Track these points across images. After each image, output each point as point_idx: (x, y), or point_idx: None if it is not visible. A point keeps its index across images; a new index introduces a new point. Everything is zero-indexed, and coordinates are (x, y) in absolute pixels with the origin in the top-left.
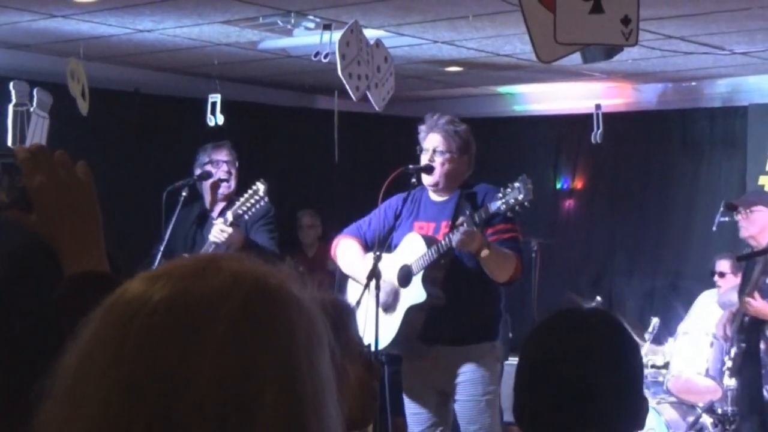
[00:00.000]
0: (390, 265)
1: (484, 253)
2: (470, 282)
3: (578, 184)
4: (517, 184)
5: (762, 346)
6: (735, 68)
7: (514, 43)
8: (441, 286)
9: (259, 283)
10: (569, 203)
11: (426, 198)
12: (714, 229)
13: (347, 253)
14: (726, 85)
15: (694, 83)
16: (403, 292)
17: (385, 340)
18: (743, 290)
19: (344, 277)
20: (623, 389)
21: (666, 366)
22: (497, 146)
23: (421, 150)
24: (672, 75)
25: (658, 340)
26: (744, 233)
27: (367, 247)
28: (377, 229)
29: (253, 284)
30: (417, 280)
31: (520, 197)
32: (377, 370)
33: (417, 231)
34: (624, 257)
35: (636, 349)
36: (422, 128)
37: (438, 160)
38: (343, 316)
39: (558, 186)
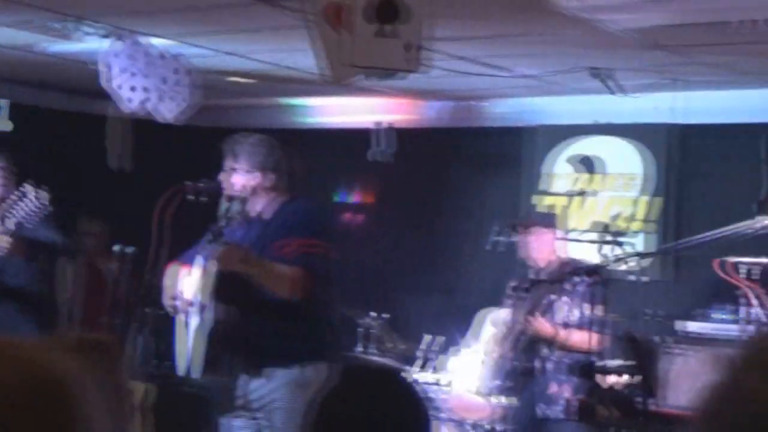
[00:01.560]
0: (185, 294)
1: (245, 269)
2: (264, 300)
3: (362, 199)
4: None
5: (539, 365)
6: (519, 89)
7: (303, 57)
8: (235, 305)
9: (42, 374)
10: (353, 218)
11: (253, 221)
12: (488, 247)
13: (168, 281)
14: (509, 105)
15: (479, 102)
16: (205, 315)
17: (197, 365)
18: (524, 310)
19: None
20: None
21: (441, 383)
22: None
23: (225, 170)
24: (458, 94)
25: (435, 356)
26: (523, 253)
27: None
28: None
29: (37, 376)
30: (213, 302)
31: (233, 211)
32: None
33: None
34: (406, 272)
35: (420, 417)
36: (225, 149)
37: (236, 178)
38: (110, 361)
39: (342, 200)
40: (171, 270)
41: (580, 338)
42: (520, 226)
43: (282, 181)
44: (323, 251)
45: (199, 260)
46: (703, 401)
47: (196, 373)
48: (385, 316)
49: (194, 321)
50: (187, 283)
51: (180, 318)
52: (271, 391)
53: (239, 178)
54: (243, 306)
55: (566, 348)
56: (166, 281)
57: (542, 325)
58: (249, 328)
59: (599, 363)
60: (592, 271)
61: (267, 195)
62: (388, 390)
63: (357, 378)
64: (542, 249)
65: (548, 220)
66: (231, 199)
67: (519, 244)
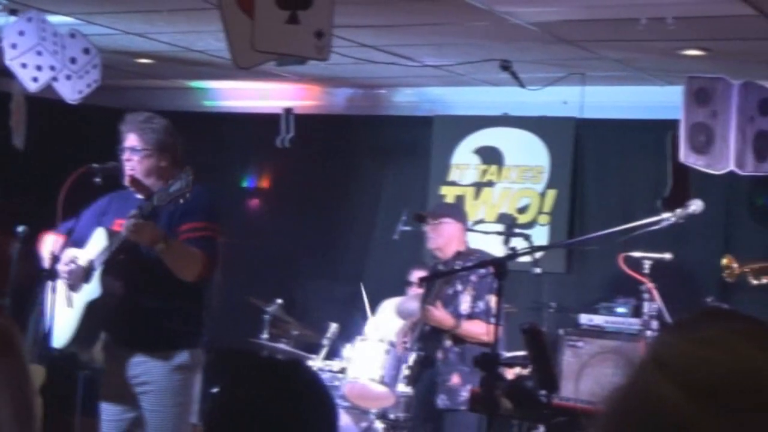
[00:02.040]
0: (79, 261)
1: (159, 247)
2: (157, 281)
3: (265, 184)
4: (179, 176)
5: (439, 355)
6: (424, 79)
7: (207, 39)
8: (123, 282)
9: None
10: (255, 202)
11: (133, 197)
12: (396, 237)
13: (45, 249)
14: (414, 95)
15: (383, 91)
16: (84, 287)
17: (67, 337)
18: (426, 300)
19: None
20: None
21: (343, 371)
22: (187, 141)
23: (122, 150)
24: (363, 81)
25: (337, 345)
26: (431, 244)
27: (74, 244)
28: (84, 226)
29: None
30: (96, 275)
31: (181, 188)
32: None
33: (116, 228)
34: (308, 260)
35: (325, 411)
36: (122, 129)
37: (135, 158)
38: (9, 344)
39: (244, 185)
40: (54, 240)
41: (481, 330)
42: (428, 216)
43: (168, 162)
44: (216, 235)
45: (100, 233)
46: (606, 401)
47: (64, 344)
48: (290, 303)
49: (82, 293)
50: (82, 255)
51: (65, 291)
52: (148, 372)
53: (130, 157)
54: (134, 283)
55: (467, 339)
56: (55, 250)
57: (441, 315)
58: (136, 306)
59: (501, 355)
60: (495, 262)
61: (153, 176)
62: (293, 381)
63: (260, 369)
64: (449, 240)
65: (456, 212)
66: (134, 180)
67: (428, 235)
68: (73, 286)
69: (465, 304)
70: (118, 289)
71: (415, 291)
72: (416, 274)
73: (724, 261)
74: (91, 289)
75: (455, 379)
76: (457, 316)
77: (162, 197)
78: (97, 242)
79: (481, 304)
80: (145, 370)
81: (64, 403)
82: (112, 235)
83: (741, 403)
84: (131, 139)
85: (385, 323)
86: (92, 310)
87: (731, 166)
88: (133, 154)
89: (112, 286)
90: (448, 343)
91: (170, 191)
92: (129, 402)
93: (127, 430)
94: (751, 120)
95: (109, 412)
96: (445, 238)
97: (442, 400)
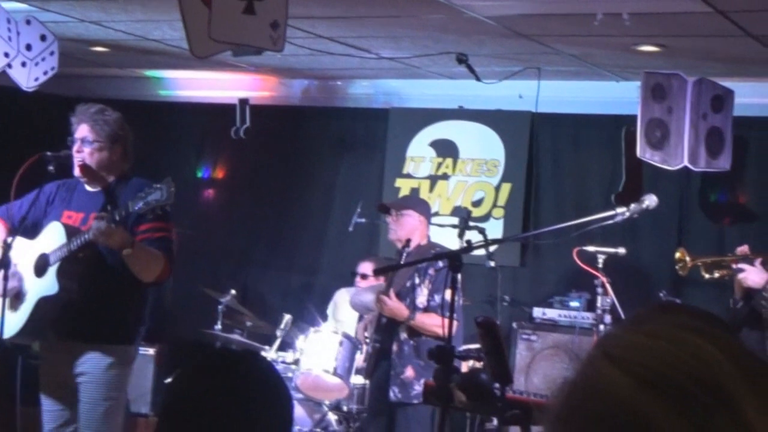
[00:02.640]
0: (29, 252)
1: (126, 251)
2: (111, 280)
3: (220, 174)
4: (158, 186)
5: (394, 348)
6: (380, 71)
7: (163, 28)
8: (78, 281)
9: None
10: (210, 193)
11: (80, 187)
12: (350, 229)
13: None
14: (370, 87)
15: (339, 82)
16: (36, 281)
17: (13, 328)
18: (384, 291)
19: None
20: None
21: (296, 362)
22: (142, 131)
23: (73, 141)
24: (319, 73)
25: (290, 336)
26: (393, 235)
27: (13, 231)
28: (27, 213)
29: None
30: (52, 271)
31: (161, 199)
32: None
33: (65, 220)
34: (262, 251)
35: (280, 402)
36: (73, 119)
37: (86, 150)
38: None
39: (199, 175)
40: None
41: (436, 322)
42: (391, 207)
43: (119, 155)
44: (171, 235)
45: (57, 228)
46: (557, 394)
47: (12, 336)
48: (244, 294)
49: (35, 288)
50: (33, 246)
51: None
52: (86, 364)
53: (81, 148)
54: (88, 281)
55: (422, 331)
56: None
57: (394, 305)
58: (83, 301)
59: (456, 348)
60: (450, 255)
61: (103, 169)
62: (247, 372)
63: (214, 360)
64: (411, 232)
65: (419, 205)
66: (86, 169)
67: (390, 226)
68: (19, 294)
69: (422, 297)
70: (75, 287)
71: (363, 283)
72: (364, 266)
73: (678, 254)
74: (47, 285)
75: (409, 372)
76: (413, 308)
77: (137, 205)
78: (52, 237)
79: (437, 298)
80: (83, 361)
81: (5, 392)
82: (71, 232)
83: (690, 391)
84: (83, 130)
85: (339, 315)
86: (45, 305)
87: (685, 162)
88: (85, 145)
89: (70, 284)
90: (403, 335)
91: (148, 200)
92: (66, 396)
93: (69, 421)
94: (704, 117)
95: (48, 404)
96: (406, 231)
97: (394, 393)
